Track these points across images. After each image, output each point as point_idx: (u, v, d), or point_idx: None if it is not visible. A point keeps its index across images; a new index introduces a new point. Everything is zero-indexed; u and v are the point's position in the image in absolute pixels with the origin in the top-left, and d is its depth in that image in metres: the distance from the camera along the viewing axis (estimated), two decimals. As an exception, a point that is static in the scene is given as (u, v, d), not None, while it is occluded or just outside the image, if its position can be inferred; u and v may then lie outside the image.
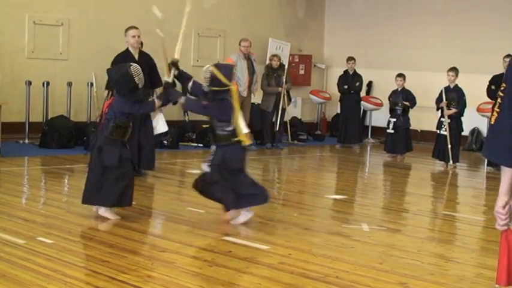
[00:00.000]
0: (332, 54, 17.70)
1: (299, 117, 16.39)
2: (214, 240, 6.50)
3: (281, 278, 5.39)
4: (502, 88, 3.25)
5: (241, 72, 13.37)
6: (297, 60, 17.23)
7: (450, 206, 9.25)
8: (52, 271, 5.34)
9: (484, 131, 14.68)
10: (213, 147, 7.28)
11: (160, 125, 10.28)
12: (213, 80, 6.91)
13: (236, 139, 7.01)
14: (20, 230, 6.67)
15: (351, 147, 14.72)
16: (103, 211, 7.15)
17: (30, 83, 12.81)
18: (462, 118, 12.27)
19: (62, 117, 12.84)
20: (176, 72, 7.29)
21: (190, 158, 12.58)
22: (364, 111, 16.27)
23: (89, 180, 7.20)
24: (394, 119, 13.20)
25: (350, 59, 14.78)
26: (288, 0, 17.18)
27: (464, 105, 12.17)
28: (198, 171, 11.04)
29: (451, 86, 12.21)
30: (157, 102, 7.31)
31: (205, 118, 16.20)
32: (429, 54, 15.84)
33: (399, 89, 13.32)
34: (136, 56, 9.81)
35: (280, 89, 13.91)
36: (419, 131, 15.15)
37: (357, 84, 14.69)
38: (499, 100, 3.25)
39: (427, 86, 14.53)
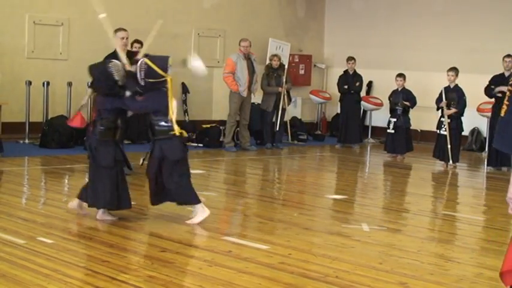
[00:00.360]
0: (332, 54, 17.70)
1: (299, 117, 16.39)
2: (214, 240, 6.50)
3: (281, 278, 5.39)
4: (511, 82, 3.46)
5: (241, 72, 13.37)
6: (297, 60, 17.22)
7: (450, 206, 9.25)
8: (52, 271, 5.34)
9: (484, 131, 14.68)
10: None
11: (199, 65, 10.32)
12: (148, 71, 6.89)
13: (174, 132, 6.96)
14: (20, 230, 6.67)
15: (351, 147, 14.71)
16: (100, 215, 7.15)
17: (30, 83, 12.81)
18: (462, 118, 12.27)
19: (62, 117, 12.84)
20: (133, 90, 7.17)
21: (190, 158, 12.51)
22: (364, 111, 16.27)
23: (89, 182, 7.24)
24: (395, 119, 13.20)
25: (350, 59, 14.77)
26: (288, 0, 17.18)
27: (464, 105, 12.17)
28: (198, 171, 11.07)
29: (451, 86, 12.21)
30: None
31: (205, 118, 16.26)
32: (429, 54, 15.83)
33: (399, 89, 13.32)
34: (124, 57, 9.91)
35: (280, 89, 13.91)
36: (419, 131, 15.15)
37: (357, 84, 14.68)
38: (507, 94, 3.48)
39: (427, 86, 14.53)
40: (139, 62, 6.97)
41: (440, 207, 9.12)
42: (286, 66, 14.32)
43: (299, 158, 13.46)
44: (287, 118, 14.88)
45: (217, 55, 15.85)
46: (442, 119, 12.22)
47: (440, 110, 12.27)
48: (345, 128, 14.72)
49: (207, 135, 13.86)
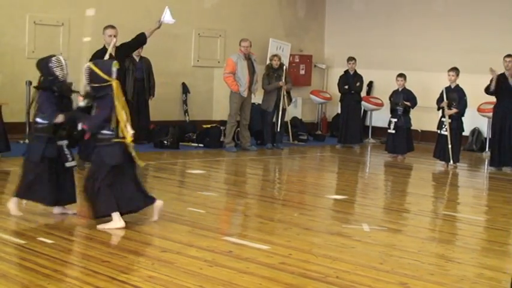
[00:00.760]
0: (332, 54, 17.69)
1: (299, 117, 16.39)
2: (215, 241, 6.49)
3: (281, 278, 5.39)
4: None
5: (242, 73, 13.36)
6: (298, 60, 17.22)
7: (451, 206, 9.25)
8: (52, 271, 5.35)
9: (485, 131, 14.68)
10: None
11: (167, 15, 10.43)
12: (92, 76, 6.80)
13: (117, 140, 6.85)
14: (21, 230, 6.67)
15: (352, 147, 14.71)
16: (56, 210, 7.20)
17: (30, 83, 12.77)
18: (463, 118, 12.26)
19: (62, 118, 12.83)
20: (89, 103, 7.08)
21: (190, 158, 12.59)
22: (365, 112, 16.26)
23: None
24: (395, 119, 13.19)
25: (350, 59, 14.76)
26: (289, 1, 17.18)
27: (465, 105, 12.16)
28: (199, 172, 11.08)
29: (452, 86, 12.20)
30: (60, 118, 6.99)
31: (206, 118, 16.27)
32: (430, 55, 15.83)
33: (400, 89, 13.31)
34: (113, 53, 9.99)
35: (280, 83, 13.85)
36: (419, 131, 15.14)
37: (358, 84, 14.67)
38: None
39: (427, 86, 14.52)
40: (84, 66, 6.90)
41: (440, 208, 9.11)
42: (285, 67, 14.27)
43: (299, 158, 13.46)
44: (287, 118, 14.88)
45: (218, 55, 15.85)
46: (442, 119, 12.21)
47: (441, 110, 12.26)
48: (346, 128, 14.71)
49: (207, 135, 13.86)
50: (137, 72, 13.58)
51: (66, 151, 7.14)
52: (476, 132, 14.89)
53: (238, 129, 13.66)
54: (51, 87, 7.04)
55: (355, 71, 14.73)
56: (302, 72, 17.27)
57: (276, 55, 14.38)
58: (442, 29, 15.72)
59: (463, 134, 12.70)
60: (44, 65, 7.18)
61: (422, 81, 14.96)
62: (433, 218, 8.40)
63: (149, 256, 5.88)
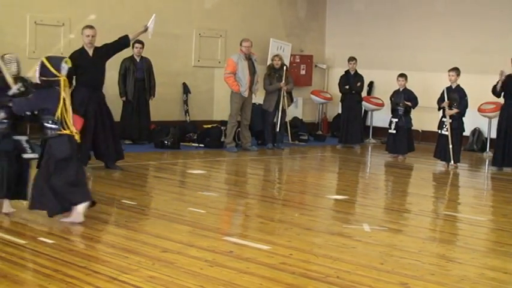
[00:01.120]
0: (333, 54, 17.69)
1: (300, 117, 16.39)
2: (215, 241, 6.49)
3: (282, 278, 5.39)
4: None
5: (242, 73, 13.35)
6: (298, 60, 17.22)
7: (451, 206, 9.24)
8: (53, 271, 5.35)
9: (485, 131, 14.67)
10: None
11: (151, 28, 10.52)
12: (43, 69, 7.00)
13: (63, 132, 6.92)
14: (21, 230, 6.68)
15: (352, 147, 14.71)
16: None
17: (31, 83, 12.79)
18: (463, 118, 12.25)
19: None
20: (22, 89, 7.20)
21: (191, 158, 12.59)
22: (365, 112, 16.26)
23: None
24: (396, 119, 13.18)
25: (351, 59, 14.76)
26: (289, 1, 17.18)
27: (466, 106, 12.15)
28: (199, 172, 11.08)
29: (453, 86, 12.19)
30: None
31: (206, 118, 16.27)
32: (431, 55, 15.83)
33: (401, 89, 13.30)
34: (90, 53, 10.15)
35: (281, 84, 13.86)
36: (420, 131, 15.13)
37: (358, 84, 14.67)
38: None
39: (428, 86, 14.52)
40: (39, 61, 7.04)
41: (441, 208, 9.11)
42: (285, 67, 14.25)
43: (300, 159, 13.46)
44: (288, 118, 14.87)
45: (218, 55, 15.85)
46: (443, 119, 12.21)
47: (441, 110, 12.26)
48: (346, 128, 14.71)
49: (208, 135, 13.86)
50: (138, 72, 13.59)
51: (25, 144, 7.31)
52: (477, 132, 14.89)
53: (239, 129, 13.66)
54: None
55: (356, 71, 14.72)
56: (303, 72, 17.27)
57: (277, 55, 14.38)
58: (443, 29, 15.72)
59: (464, 134, 12.69)
60: None
61: (423, 81, 14.96)
62: (433, 218, 8.40)
63: (150, 256, 5.88)
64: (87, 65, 9.98)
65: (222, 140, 13.74)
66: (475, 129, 14.85)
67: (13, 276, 5.21)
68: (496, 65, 12.31)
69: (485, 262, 6.21)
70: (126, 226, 6.97)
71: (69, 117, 6.97)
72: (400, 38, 16.43)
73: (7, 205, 7.31)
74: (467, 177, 12.13)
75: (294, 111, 16.09)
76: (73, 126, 7.00)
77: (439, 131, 12.31)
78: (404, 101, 13.13)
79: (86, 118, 9.90)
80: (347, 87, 14.65)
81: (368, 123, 16.38)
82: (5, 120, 7.22)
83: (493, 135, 14.28)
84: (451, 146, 12.02)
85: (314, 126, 17.19)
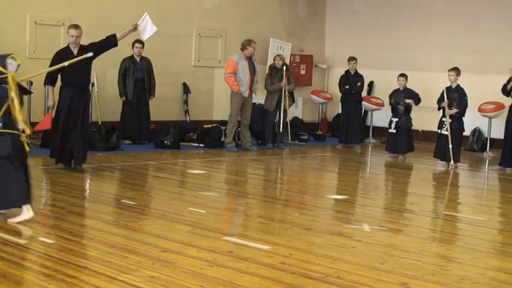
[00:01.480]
0: (333, 54, 17.69)
1: (300, 117, 16.39)
2: (215, 241, 6.49)
3: (282, 278, 5.39)
4: None
5: (243, 73, 13.33)
6: (298, 60, 17.22)
7: (451, 206, 9.24)
8: (53, 271, 5.34)
9: (485, 131, 14.67)
10: None
11: (148, 27, 10.38)
12: None
13: (6, 130, 6.83)
14: (21, 230, 6.67)
15: (352, 147, 14.71)
16: None
17: (31, 83, 12.80)
18: (463, 118, 12.25)
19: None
20: None
21: (191, 158, 12.59)
22: (365, 112, 16.27)
23: None
24: (397, 119, 13.17)
25: (351, 59, 14.75)
26: (289, 1, 17.18)
27: (466, 105, 12.15)
28: (199, 172, 11.07)
29: (453, 86, 12.19)
30: None
31: (206, 118, 16.26)
32: (430, 55, 15.83)
33: (401, 89, 13.29)
34: (75, 52, 10.04)
35: (282, 84, 13.86)
36: (420, 131, 15.13)
37: (358, 84, 14.66)
38: None
39: (428, 86, 14.52)
40: None
41: (441, 208, 9.11)
42: (285, 66, 14.18)
43: (300, 158, 13.46)
44: (288, 118, 14.86)
45: (219, 55, 15.86)
46: (443, 119, 12.21)
47: (441, 110, 12.26)
48: (346, 128, 14.71)
49: (208, 135, 13.86)
50: (138, 72, 13.58)
51: None
52: (477, 132, 14.89)
53: (239, 129, 13.65)
54: None
55: (356, 71, 14.72)
56: (303, 72, 17.27)
57: (278, 55, 14.37)
58: (442, 29, 15.72)
59: (464, 134, 12.69)
60: None
61: (423, 81, 14.96)
62: (433, 218, 8.40)
63: (150, 256, 5.88)
64: (71, 65, 9.90)
65: (222, 139, 13.73)
66: (475, 129, 14.85)
67: (13, 276, 5.20)
68: (496, 65, 12.32)
69: (485, 262, 6.21)
70: (126, 226, 6.97)
71: (18, 115, 6.83)
72: (400, 37, 16.44)
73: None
74: (467, 177, 12.13)
75: (294, 111, 16.09)
76: (23, 126, 6.88)
77: (439, 131, 12.31)
78: (405, 99, 13.11)
79: (71, 117, 9.91)
80: (347, 87, 14.64)
81: (368, 123, 16.38)
82: None
83: (493, 135, 14.30)
84: (451, 146, 12.02)
85: (314, 126, 17.19)
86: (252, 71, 13.50)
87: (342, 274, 5.55)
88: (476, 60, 14.90)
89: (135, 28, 10.29)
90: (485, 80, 12.89)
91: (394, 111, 13.31)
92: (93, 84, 13.77)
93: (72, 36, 10.05)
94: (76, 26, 10.14)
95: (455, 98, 12.05)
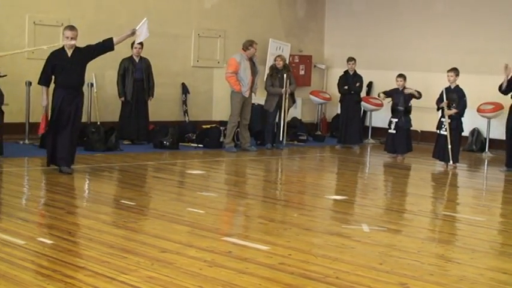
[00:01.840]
0: (332, 54, 17.70)
1: (299, 117, 16.39)
2: (214, 241, 6.49)
3: (281, 278, 5.39)
4: None
5: (245, 73, 13.31)
6: (297, 60, 17.23)
7: (450, 207, 9.25)
8: (52, 271, 5.34)
9: (484, 131, 14.68)
10: None
11: (143, 32, 10.34)
12: None
13: None
14: (20, 230, 6.67)
15: (351, 147, 14.71)
16: None
17: (30, 83, 12.80)
18: (462, 118, 12.26)
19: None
20: None
21: (190, 158, 12.58)
22: (365, 112, 16.27)
23: None
24: (396, 119, 13.16)
25: (350, 59, 14.76)
26: (288, 1, 17.18)
27: (465, 106, 12.15)
28: (198, 172, 11.07)
29: (452, 87, 12.20)
30: None
31: (205, 118, 16.26)
32: (430, 55, 15.83)
33: (400, 89, 13.28)
34: (69, 54, 9.98)
35: (283, 91, 13.85)
36: (419, 131, 15.14)
37: (357, 84, 14.67)
38: None
39: (427, 87, 14.51)
40: None
41: (440, 208, 9.11)
42: (285, 75, 13.99)
43: (299, 159, 13.46)
44: (287, 119, 14.84)
45: (218, 55, 15.86)
46: (442, 119, 12.22)
47: (440, 110, 12.26)
48: (345, 129, 14.71)
49: (207, 135, 13.86)
50: (137, 72, 13.58)
51: None
52: (476, 132, 14.90)
53: (238, 129, 13.64)
54: None
55: (355, 71, 14.72)
56: (302, 72, 17.28)
57: (279, 56, 14.36)
58: (442, 30, 15.73)
59: (463, 134, 12.69)
60: None
61: (422, 81, 14.95)
62: (432, 219, 8.40)
63: (149, 256, 5.88)
64: (64, 66, 9.82)
65: (221, 140, 13.73)
66: (474, 129, 14.86)
67: (12, 276, 5.20)
68: (495, 65, 12.31)
69: (484, 262, 6.21)
70: (125, 226, 6.97)
71: None
72: (400, 38, 16.44)
73: None
74: (466, 178, 12.13)
75: (293, 111, 16.08)
76: None
77: (438, 131, 12.32)
78: (404, 99, 13.07)
79: (61, 118, 9.86)
80: (346, 87, 14.65)
81: (367, 123, 16.38)
82: None
83: (492, 135, 14.30)
84: (450, 146, 12.03)
85: (313, 126, 17.20)
86: (253, 71, 13.50)
87: (341, 274, 5.55)
88: (476, 61, 14.91)
89: (133, 33, 10.24)
90: (485, 80, 12.89)
91: (394, 112, 13.31)
92: (92, 85, 13.80)
93: (68, 37, 9.97)
94: (72, 27, 10.07)
95: (454, 98, 12.06)
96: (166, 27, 14.80)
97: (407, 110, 13.19)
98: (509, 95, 12.05)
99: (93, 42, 10.32)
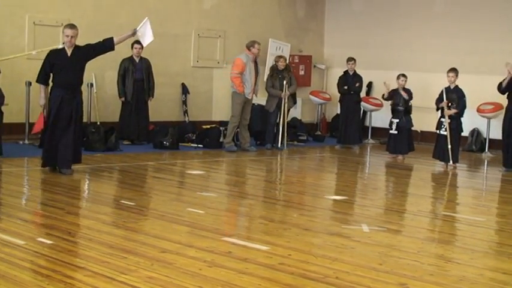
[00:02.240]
0: (332, 54, 17.70)
1: (299, 117, 16.39)
2: (214, 241, 6.49)
3: (281, 278, 5.39)
4: None
5: (249, 75, 13.26)
6: (297, 60, 17.23)
7: (450, 207, 9.25)
8: (52, 272, 5.34)
9: (484, 131, 14.68)
10: None
11: (147, 34, 10.26)
12: None
13: None
14: (20, 230, 6.67)
15: (351, 147, 14.71)
16: None
17: (30, 83, 12.80)
18: (462, 119, 12.26)
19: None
20: None
21: (190, 158, 12.58)
22: (364, 112, 16.27)
23: None
24: (397, 120, 13.15)
25: (350, 59, 14.76)
26: (288, 1, 17.18)
27: (464, 106, 12.15)
28: (198, 172, 11.08)
29: (451, 87, 12.20)
30: None
31: (205, 118, 16.27)
32: (429, 55, 15.83)
33: (400, 89, 13.27)
34: (69, 53, 9.91)
35: (282, 95, 13.82)
36: (419, 131, 15.14)
37: (357, 84, 14.67)
38: None
39: (427, 87, 14.53)
40: None
41: (440, 208, 9.11)
42: (285, 82, 13.89)
43: (299, 159, 13.46)
44: (287, 119, 14.84)
45: (217, 56, 15.86)
46: (442, 119, 12.22)
47: (440, 110, 12.26)
48: (345, 129, 14.71)
49: (207, 135, 13.86)
50: (137, 72, 13.59)
51: None
52: (475, 132, 14.90)
53: (238, 129, 13.64)
54: None
55: (355, 71, 14.72)
56: (302, 72, 17.28)
57: (281, 56, 14.35)
58: (441, 30, 15.73)
59: (463, 134, 12.69)
60: None
61: (422, 81, 14.97)
62: (432, 219, 8.40)
63: (148, 257, 5.88)
64: (63, 65, 9.75)
65: (221, 140, 13.73)
66: (473, 129, 14.86)
67: (12, 276, 5.20)
68: (495, 65, 12.31)
69: (484, 262, 6.22)
70: (124, 226, 6.97)
71: None
72: (399, 38, 16.44)
73: None
74: (466, 178, 12.13)
75: (293, 111, 16.09)
76: None
77: (438, 131, 12.32)
78: (404, 99, 13.07)
79: (60, 118, 9.81)
80: (346, 87, 14.65)
81: (367, 123, 16.38)
82: None
83: (492, 135, 14.30)
84: (450, 147, 12.03)
85: (313, 126, 17.20)
86: (256, 73, 13.50)
87: (341, 274, 5.55)
88: (476, 61, 14.91)
89: (134, 33, 10.18)
90: (484, 80, 12.89)
91: (394, 112, 13.29)
92: (91, 85, 13.80)
93: (68, 36, 9.91)
94: (72, 26, 10.02)
95: (454, 98, 12.06)
96: (166, 27, 14.79)
97: (408, 110, 13.18)
98: (505, 95, 12.08)
99: (92, 42, 10.30)
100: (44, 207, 7.95)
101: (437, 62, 15.20)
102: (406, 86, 13.28)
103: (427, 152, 13.16)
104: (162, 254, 5.98)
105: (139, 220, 7.38)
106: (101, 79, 14.14)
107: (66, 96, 9.79)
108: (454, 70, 12.19)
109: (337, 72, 15.52)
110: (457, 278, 5.62)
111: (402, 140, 13.17)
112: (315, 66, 17.66)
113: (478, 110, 14.28)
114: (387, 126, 13.49)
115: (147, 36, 10.25)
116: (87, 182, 9.78)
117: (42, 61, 10.07)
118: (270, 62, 15.18)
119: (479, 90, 13.47)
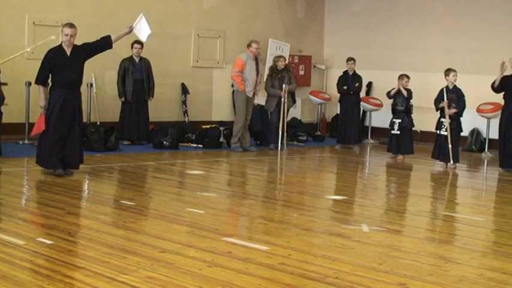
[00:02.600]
0: (332, 54, 17.70)
1: (299, 117, 16.39)
2: (214, 241, 6.49)
3: (281, 278, 5.39)
4: None
5: (250, 73, 13.29)
6: (297, 60, 17.23)
7: (450, 207, 9.25)
8: (52, 272, 5.34)
9: (484, 131, 14.68)
10: None
11: (144, 29, 10.22)
12: None
13: None
14: (20, 230, 6.67)
15: (351, 147, 14.71)
16: None
17: (30, 83, 12.80)
18: (461, 119, 12.26)
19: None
20: None
21: (190, 158, 12.58)
22: (364, 112, 16.27)
23: None
24: (399, 120, 13.14)
25: (350, 59, 14.76)
26: (288, 1, 17.19)
27: (464, 106, 12.16)
28: (198, 172, 11.08)
29: (451, 87, 12.20)
30: None
31: (205, 118, 16.28)
32: (429, 55, 15.84)
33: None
34: (68, 52, 9.86)
35: (282, 93, 13.82)
36: (419, 131, 15.14)
37: (357, 85, 14.66)
38: None
39: (427, 87, 14.52)
40: None
41: (440, 208, 9.11)
42: (285, 86, 13.87)
43: (299, 159, 13.46)
44: (286, 119, 14.83)
45: (217, 56, 15.86)
46: (442, 119, 12.22)
47: (439, 110, 12.26)
48: (345, 129, 14.71)
49: (206, 135, 13.86)
50: (137, 73, 13.59)
51: None
52: (475, 132, 14.90)
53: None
54: None
55: (354, 71, 14.72)
56: (301, 72, 17.28)
57: (281, 56, 14.36)
58: (441, 30, 15.73)
59: (462, 134, 12.70)
60: None
61: (422, 81, 14.96)
62: (432, 219, 8.40)
63: (148, 257, 5.88)
64: (63, 64, 9.70)
65: (220, 140, 13.73)
66: (473, 129, 14.86)
67: (12, 276, 5.20)
68: (495, 65, 12.29)
69: (483, 262, 6.22)
70: (124, 226, 6.97)
71: None
72: (399, 38, 16.45)
73: None
74: (465, 178, 12.13)
75: (293, 111, 16.09)
76: None
77: (437, 131, 12.32)
78: (405, 99, 13.06)
79: (62, 119, 9.78)
80: (345, 87, 14.65)
81: (367, 123, 16.38)
82: None
83: (492, 135, 14.30)
84: (450, 146, 12.03)
85: (313, 126, 17.20)
86: (258, 71, 13.50)
87: (341, 274, 5.55)
88: (476, 61, 14.91)
89: (131, 30, 10.16)
90: (484, 80, 12.87)
91: (395, 112, 13.28)
92: (91, 85, 13.80)
93: (67, 34, 9.87)
94: (71, 25, 9.98)
95: (454, 98, 12.06)
96: (166, 27, 14.80)
97: (408, 110, 13.18)
98: (501, 95, 12.09)
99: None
100: (44, 207, 7.94)
101: (437, 62, 15.20)
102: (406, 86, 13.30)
103: (427, 152, 13.16)
104: (162, 254, 5.98)
105: (139, 220, 7.39)
106: (100, 79, 14.14)
107: (67, 96, 9.76)
108: (454, 70, 12.19)
109: (337, 72, 15.52)
110: (457, 278, 5.62)
111: (405, 140, 13.17)
112: (314, 66, 17.67)
113: (478, 110, 14.29)
114: (387, 126, 13.49)
115: (144, 31, 10.23)
116: (87, 182, 9.78)
117: (41, 62, 10.01)
118: (269, 62, 15.17)
119: (479, 90, 13.47)
